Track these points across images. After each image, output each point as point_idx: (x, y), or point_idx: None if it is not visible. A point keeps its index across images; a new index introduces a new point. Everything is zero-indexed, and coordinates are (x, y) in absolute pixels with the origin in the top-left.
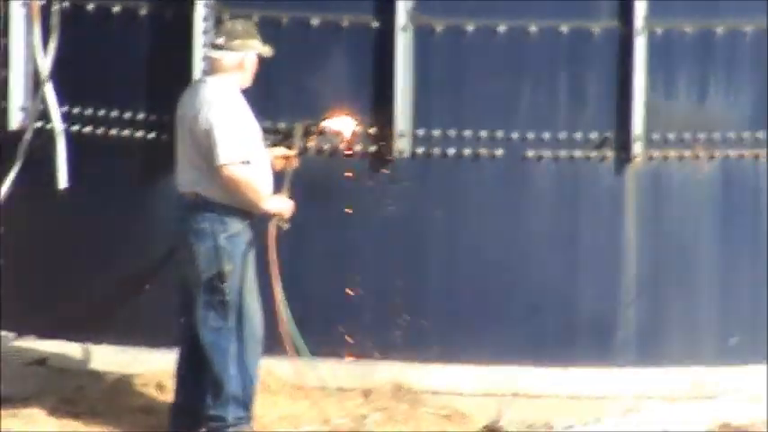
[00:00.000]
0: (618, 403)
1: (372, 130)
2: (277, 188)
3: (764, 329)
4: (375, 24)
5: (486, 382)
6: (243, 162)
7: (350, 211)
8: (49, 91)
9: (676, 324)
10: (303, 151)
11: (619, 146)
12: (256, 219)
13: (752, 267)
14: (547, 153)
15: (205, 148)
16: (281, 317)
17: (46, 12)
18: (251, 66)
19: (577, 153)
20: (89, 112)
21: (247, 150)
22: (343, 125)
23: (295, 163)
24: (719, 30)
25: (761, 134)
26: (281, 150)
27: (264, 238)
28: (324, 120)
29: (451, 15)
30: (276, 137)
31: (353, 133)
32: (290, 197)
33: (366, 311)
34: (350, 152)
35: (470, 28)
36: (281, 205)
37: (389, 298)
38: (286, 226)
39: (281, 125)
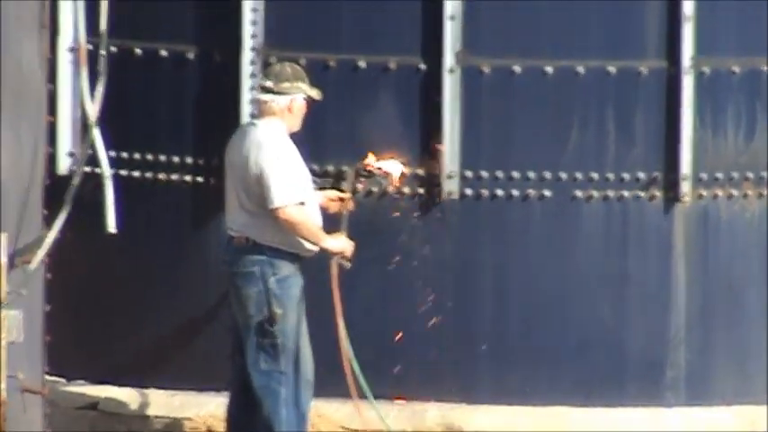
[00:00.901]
0: None
1: (421, 172)
2: (332, 230)
3: None
4: (422, 66)
5: (536, 421)
6: (298, 203)
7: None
8: (97, 136)
9: (725, 363)
10: (355, 193)
11: (667, 185)
12: (307, 261)
13: None
14: (595, 193)
15: (256, 192)
16: (345, 356)
17: (93, 57)
18: (300, 108)
19: (626, 193)
20: (137, 156)
21: (301, 191)
22: (392, 167)
23: (350, 205)
24: (766, 67)
25: None
26: (335, 193)
27: (319, 278)
28: (374, 162)
29: (499, 56)
30: (327, 180)
31: (402, 175)
32: (349, 238)
33: (415, 352)
34: (398, 194)
35: (518, 69)
36: (342, 244)
37: (438, 339)
38: (348, 265)
39: (329, 167)
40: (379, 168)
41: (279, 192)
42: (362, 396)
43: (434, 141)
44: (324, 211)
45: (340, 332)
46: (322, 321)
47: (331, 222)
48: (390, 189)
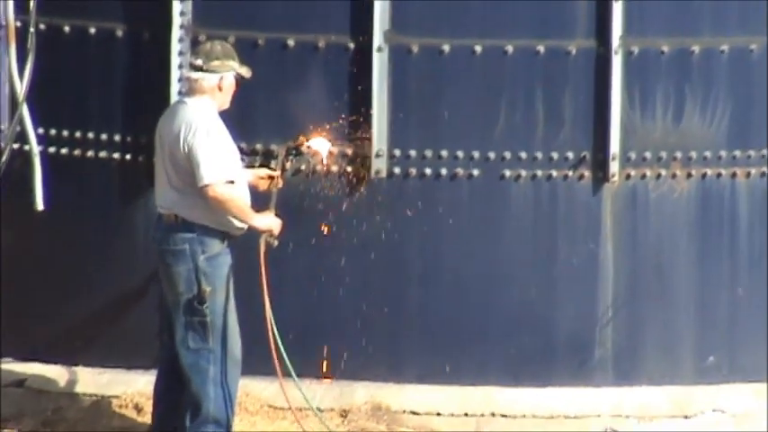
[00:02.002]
0: (595, 422)
1: (349, 151)
2: (261, 208)
3: (742, 348)
4: (351, 45)
5: (465, 401)
6: (227, 181)
7: (327, 231)
8: (25, 113)
9: (653, 343)
10: (284, 171)
11: (596, 165)
12: (235, 239)
13: (730, 286)
14: (524, 173)
15: (185, 170)
16: (271, 334)
17: (22, 34)
18: (229, 87)
19: (554, 172)
20: (66, 133)
21: (230, 170)
22: (321, 145)
23: (280, 183)
24: (696, 48)
25: (738, 152)
26: (265, 171)
27: (246, 257)
28: (303, 140)
29: (427, 35)
30: (258, 157)
31: (330, 153)
32: (277, 216)
33: (343, 332)
34: (327, 173)
35: (447, 48)
36: (270, 222)
37: (366, 318)
38: (275, 243)
39: (258, 146)
40: (309, 147)
41: (208, 169)
42: (288, 375)
43: (361, 120)
44: (253, 189)
45: (266, 310)
46: (251, 300)
47: (260, 200)
48: (319, 167)
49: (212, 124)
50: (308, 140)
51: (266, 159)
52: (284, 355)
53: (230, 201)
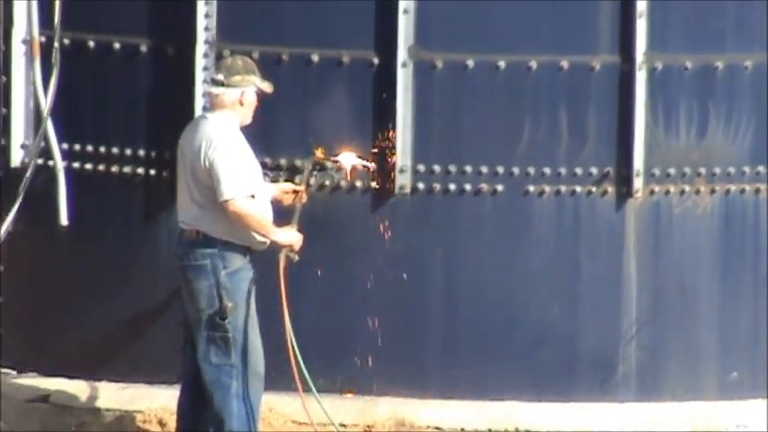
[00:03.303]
0: None
1: (373, 166)
2: (284, 222)
3: (764, 364)
4: (375, 60)
5: (487, 417)
6: (248, 196)
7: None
8: (49, 128)
9: (677, 359)
10: (309, 186)
11: (619, 181)
12: (257, 255)
13: (753, 302)
14: (548, 188)
15: (206, 185)
16: (291, 349)
17: (47, 49)
18: (251, 101)
19: (578, 188)
20: (90, 149)
21: (251, 185)
22: (346, 160)
23: (304, 198)
24: (720, 64)
25: (761, 168)
26: (289, 185)
27: (269, 273)
28: (328, 156)
29: (452, 51)
30: (282, 173)
31: (354, 169)
32: (299, 231)
33: (366, 347)
34: (351, 188)
35: (471, 63)
36: (291, 237)
37: (389, 333)
38: (296, 258)
39: (282, 161)
40: (333, 162)
41: (229, 184)
42: (309, 390)
43: (385, 136)
44: (277, 203)
45: (286, 325)
46: (274, 315)
47: (284, 215)
48: (343, 183)
49: (233, 139)
50: (332, 156)
51: (290, 174)
52: (304, 370)
53: (251, 215)
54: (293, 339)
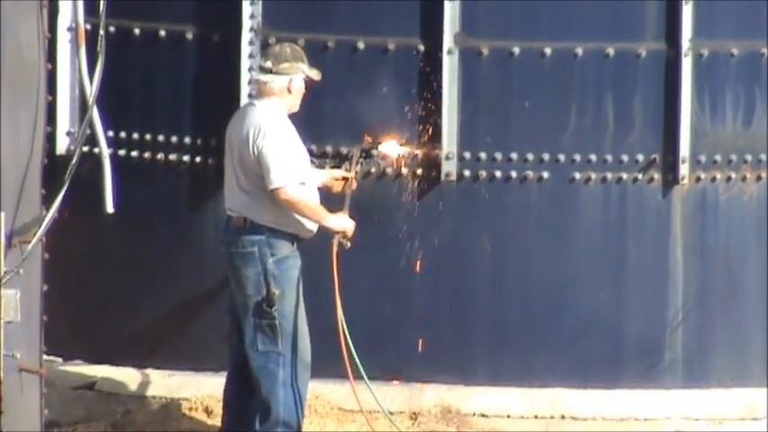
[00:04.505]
0: (665, 425)
1: (420, 153)
2: (335, 209)
3: None
4: (421, 47)
5: (534, 404)
6: (298, 183)
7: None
8: (95, 116)
9: (723, 346)
10: (358, 173)
11: (665, 168)
12: (307, 242)
13: None
14: (594, 175)
15: (254, 173)
16: (342, 336)
17: (92, 36)
18: (299, 89)
19: (624, 175)
20: (136, 136)
21: (301, 172)
22: (391, 148)
23: (354, 185)
24: (766, 51)
25: None
26: (339, 172)
27: (317, 259)
28: (376, 143)
29: (498, 38)
30: (328, 160)
31: (400, 156)
32: (351, 217)
33: (413, 334)
34: (397, 175)
35: (517, 50)
36: (344, 223)
37: (436, 321)
38: (348, 245)
39: (328, 148)
40: (379, 149)
41: (278, 172)
42: (359, 377)
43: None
44: (327, 190)
45: (338, 311)
46: (320, 303)
47: (333, 202)
48: (389, 170)
49: (281, 127)
50: (379, 143)
51: (336, 162)
52: (356, 357)
53: (303, 202)
54: (345, 326)
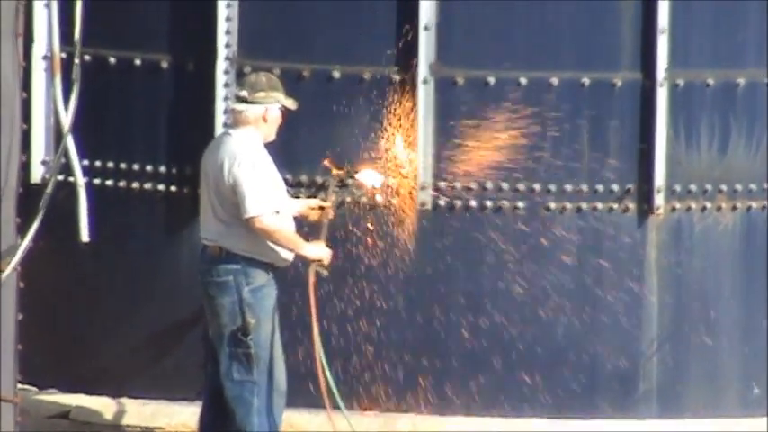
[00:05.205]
0: None
1: (395, 183)
2: (311, 238)
3: None
4: (396, 77)
5: None
6: (273, 212)
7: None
8: (70, 144)
9: (698, 376)
10: (335, 203)
11: (641, 197)
12: (281, 271)
13: None
14: (569, 205)
15: (230, 202)
16: (319, 365)
17: (67, 65)
18: (274, 118)
19: (599, 205)
20: (111, 165)
21: (276, 201)
22: (367, 178)
23: (330, 214)
24: (741, 80)
25: None
26: (315, 201)
27: (292, 288)
28: (352, 172)
29: (473, 68)
30: (303, 189)
31: (375, 186)
32: (327, 246)
33: (387, 363)
34: (372, 204)
35: (492, 80)
36: (320, 252)
37: (410, 349)
38: (325, 273)
39: (303, 177)
40: (354, 179)
41: (253, 201)
42: (334, 406)
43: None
44: (302, 219)
45: (315, 340)
46: (294, 332)
47: (309, 231)
48: (364, 200)
49: (257, 156)
50: (355, 172)
51: (311, 191)
52: (333, 386)
53: (279, 231)
54: (323, 355)
